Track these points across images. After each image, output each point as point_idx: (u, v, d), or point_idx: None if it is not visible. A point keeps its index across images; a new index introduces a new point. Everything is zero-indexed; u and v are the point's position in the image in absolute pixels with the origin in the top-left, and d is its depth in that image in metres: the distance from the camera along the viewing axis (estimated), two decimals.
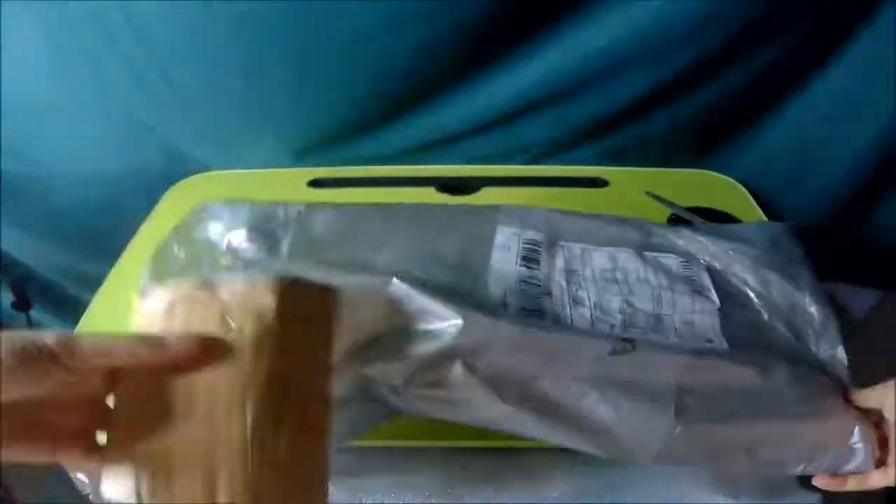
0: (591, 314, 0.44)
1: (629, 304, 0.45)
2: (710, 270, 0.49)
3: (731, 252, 0.50)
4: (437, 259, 0.48)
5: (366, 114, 0.64)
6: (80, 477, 0.48)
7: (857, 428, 0.38)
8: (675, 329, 0.44)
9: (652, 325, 0.44)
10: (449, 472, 0.46)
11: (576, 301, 0.45)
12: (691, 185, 0.66)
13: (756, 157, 0.69)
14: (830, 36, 0.58)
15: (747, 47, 0.57)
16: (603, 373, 0.39)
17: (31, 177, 0.70)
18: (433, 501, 0.45)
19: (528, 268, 0.48)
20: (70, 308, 0.85)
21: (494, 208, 0.55)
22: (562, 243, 0.51)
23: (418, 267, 0.47)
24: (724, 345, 0.43)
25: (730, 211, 0.65)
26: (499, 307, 0.43)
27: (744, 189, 0.69)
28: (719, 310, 0.45)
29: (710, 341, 0.43)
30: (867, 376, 0.44)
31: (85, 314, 0.57)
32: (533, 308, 0.44)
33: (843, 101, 0.61)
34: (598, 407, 0.38)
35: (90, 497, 0.47)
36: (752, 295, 0.47)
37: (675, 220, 0.63)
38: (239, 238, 0.49)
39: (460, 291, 0.44)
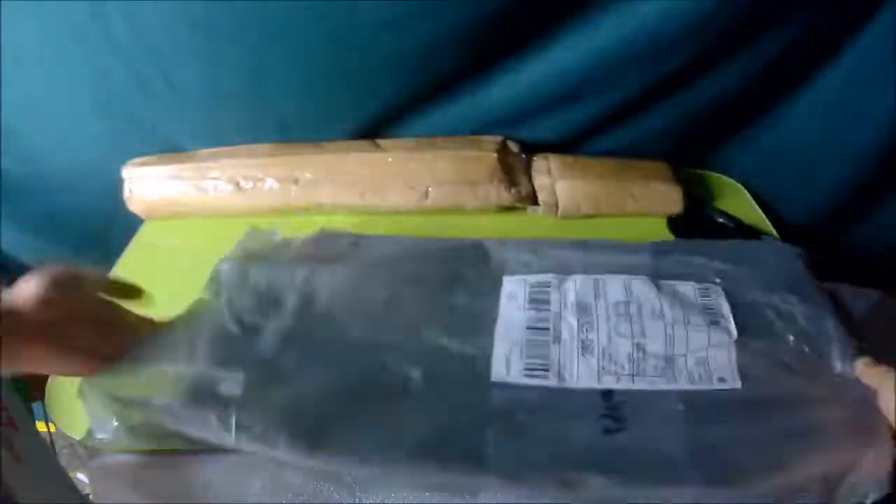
0: (599, 364, 0.44)
1: (639, 349, 0.44)
2: (729, 295, 0.47)
3: (749, 274, 0.49)
4: (446, 324, 0.48)
5: (367, 114, 0.64)
6: (80, 477, 0.48)
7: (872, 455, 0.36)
8: (688, 371, 0.43)
9: (661, 369, 0.43)
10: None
11: (585, 347, 0.45)
12: (691, 185, 0.66)
13: (756, 157, 0.69)
14: (831, 36, 0.58)
15: (747, 47, 0.57)
16: (602, 450, 0.39)
17: (31, 177, 0.70)
18: (433, 501, 0.45)
19: (537, 310, 0.47)
20: None
21: (501, 259, 0.53)
22: (574, 276, 0.50)
23: (428, 338, 0.47)
24: (737, 383, 0.42)
25: (730, 211, 0.65)
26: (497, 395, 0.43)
27: (744, 189, 0.69)
28: (736, 341, 0.44)
29: (722, 380, 0.42)
30: None
31: None
32: (538, 365, 0.44)
33: (844, 100, 0.61)
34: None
35: (90, 497, 0.47)
36: (774, 318, 0.46)
37: (675, 221, 0.63)
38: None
39: (466, 356, 0.45)
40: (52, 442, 0.52)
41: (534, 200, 0.64)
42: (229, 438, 0.40)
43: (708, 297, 0.47)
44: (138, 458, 0.47)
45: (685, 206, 0.63)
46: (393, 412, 0.42)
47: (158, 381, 0.43)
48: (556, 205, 0.63)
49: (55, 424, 0.47)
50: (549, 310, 0.47)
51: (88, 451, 0.47)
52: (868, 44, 0.57)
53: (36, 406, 0.52)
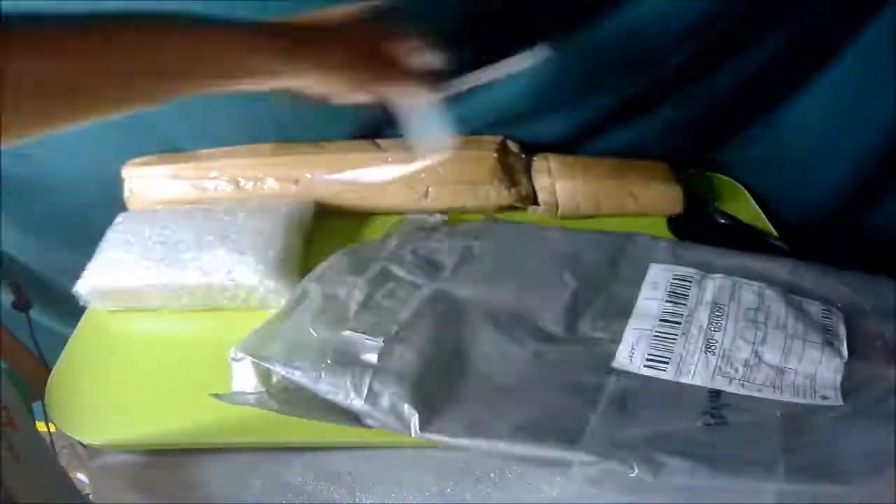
0: (717, 364, 0.46)
1: (757, 356, 0.46)
2: (850, 320, 0.49)
3: (868, 304, 0.50)
4: (586, 305, 0.51)
5: (367, 114, 0.64)
6: (80, 477, 0.48)
7: None
8: (795, 385, 0.44)
9: (771, 379, 0.45)
10: (448, 470, 0.46)
11: (708, 345, 0.46)
12: (691, 185, 0.66)
13: (756, 157, 0.69)
14: (831, 36, 0.58)
15: (747, 47, 0.57)
16: (696, 441, 0.41)
17: (31, 177, 0.70)
18: (433, 501, 0.45)
19: (674, 303, 0.50)
20: (70, 308, 0.85)
21: (651, 245, 0.57)
22: (714, 276, 0.52)
23: (564, 316, 0.50)
24: (839, 401, 0.43)
25: (730, 211, 0.65)
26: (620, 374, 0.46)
27: (744, 189, 0.69)
28: (846, 364, 0.45)
29: (825, 397, 0.44)
30: None
31: (85, 314, 0.57)
32: (660, 357, 0.46)
33: (844, 100, 0.61)
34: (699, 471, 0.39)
35: (90, 497, 0.47)
36: (882, 347, 0.47)
37: (675, 221, 0.63)
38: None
39: (596, 339, 0.48)
40: (52, 442, 0.53)
41: (534, 200, 0.64)
42: (360, 403, 0.42)
43: (829, 318, 0.49)
44: (138, 458, 0.47)
45: (685, 206, 0.63)
46: (507, 388, 0.44)
47: (304, 345, 0.45)
48: (557, 205, 0.63)
49: (55, 424, 0.47)
50: (685, 304, 0.49)
51: (88, 451, 0.48)
52: (868, 44, 0.57)
53: (36, 406, 0.52)
